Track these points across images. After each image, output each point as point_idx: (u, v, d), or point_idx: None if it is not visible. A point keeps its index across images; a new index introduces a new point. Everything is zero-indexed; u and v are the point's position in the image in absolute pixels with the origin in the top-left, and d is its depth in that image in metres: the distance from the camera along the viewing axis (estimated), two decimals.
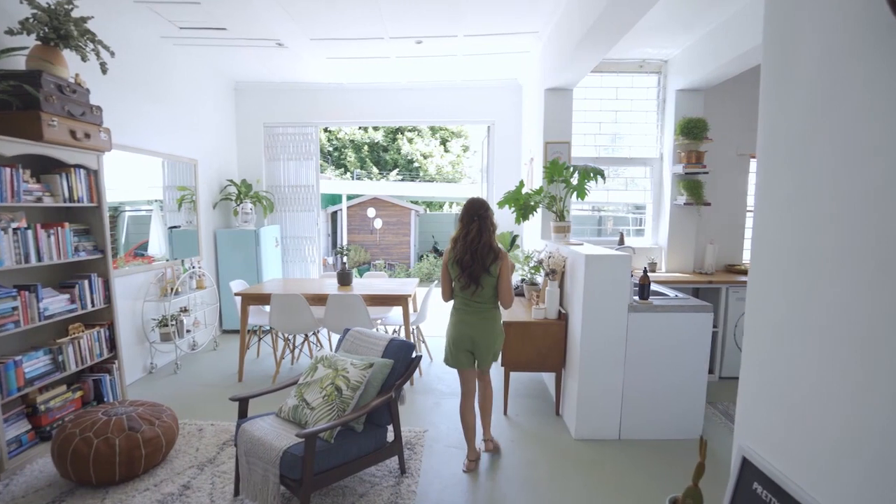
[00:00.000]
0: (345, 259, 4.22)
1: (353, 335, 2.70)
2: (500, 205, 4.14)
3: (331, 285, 4.16)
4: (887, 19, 0.84)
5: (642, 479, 2.52)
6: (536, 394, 3.64)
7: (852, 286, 0.93)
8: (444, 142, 16.54)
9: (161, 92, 4.15)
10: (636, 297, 2.96)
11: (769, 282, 1.21)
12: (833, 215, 0.98)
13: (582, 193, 3.88)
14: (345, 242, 9.34)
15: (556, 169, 3.88)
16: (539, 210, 4.07)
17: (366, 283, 4.24)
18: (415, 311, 4.24)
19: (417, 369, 3.66)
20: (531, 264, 4.04)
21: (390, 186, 12.32)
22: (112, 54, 2.88)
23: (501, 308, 2.61)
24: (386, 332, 4.29)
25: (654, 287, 3.33)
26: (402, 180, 15.19)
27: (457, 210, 16.22)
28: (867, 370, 0.90)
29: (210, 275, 4.73)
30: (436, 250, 12.39)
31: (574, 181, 3.86)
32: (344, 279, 4.12)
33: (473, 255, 2.40)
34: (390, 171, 15.57)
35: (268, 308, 4.43)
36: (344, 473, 2.16)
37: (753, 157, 4.46)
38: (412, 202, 11.96)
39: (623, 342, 2.88)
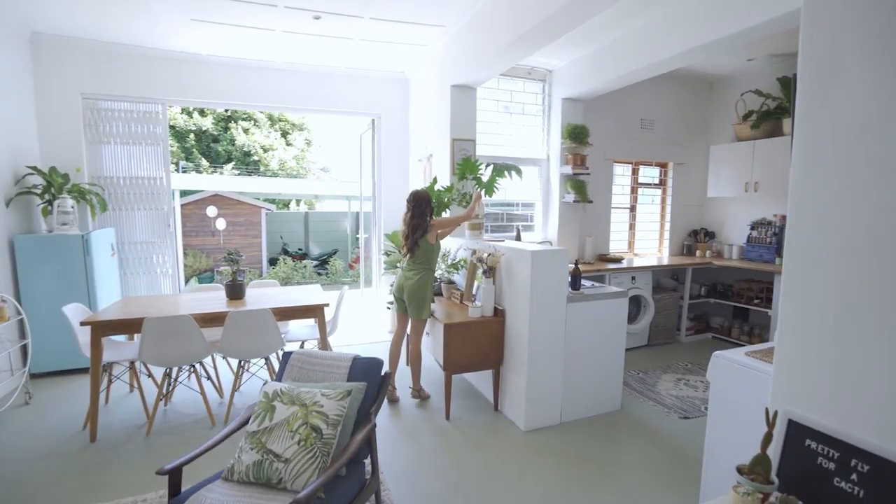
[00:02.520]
0: (236, 268, 3.45)
1: (300, 359, 2.21)
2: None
3: (212, 301, 3.37)
4: None
5: (598, 453, 2.70)
6: (466, 394, 3.59)
7: (890, 265, 1.10)
8: (284, 134, 15.19)
9: None
10: (570, 289, 3.16)
11: (808, 266, 1.36)
12: (868, 208, 1.13)
13: (491, 191, 3.98)
14: (180, 247, 7.74)
15: (468, 166, 3.89)
16: (450, 208, 4.02)
17: (260, 295, 3.57)
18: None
19: None
20: (448, 262, 3.97)
21: (236, 182, 10.69)
22: None
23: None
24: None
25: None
26: (240, 175, 13.41)
27: (304, 208, 15.13)
28: None
29: (9, 299, 3.34)
30: (286, 252, 11.27)
31: (485, 178, 3.93)
32: (235, 292, 3.39)
33: (407, 234, 3.24)
34: (223, 164, 13.58)
35: (123, 338, 3.41)
36: None
37: (617, 161, 5.23)
38: (260, 199, 10.61)
39: (563, 332, 3.05)
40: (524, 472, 2.55)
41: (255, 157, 13.82)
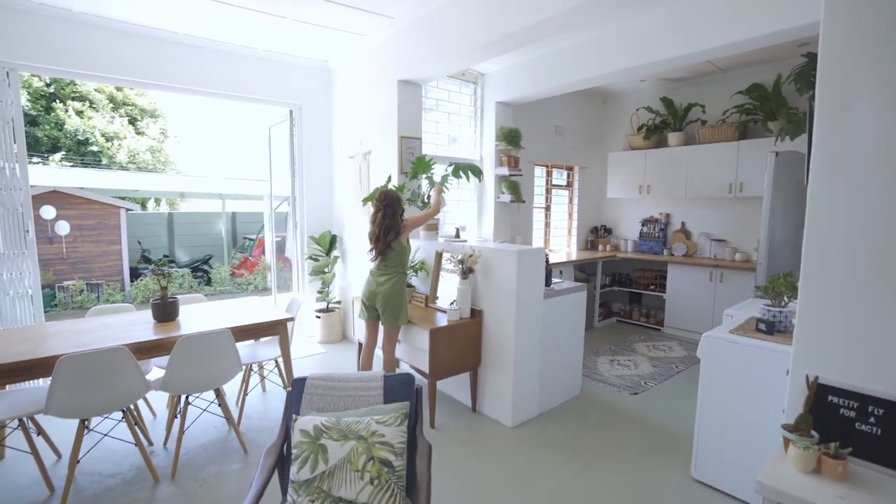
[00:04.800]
0: (167, 281, 2.74)
1: (320, 385, 1.90)
2: (365, 201, 3.72)
3: (133, 325, 2.69)
4: None
5: (584, 436, 2.88)
6: (438, 398, 3.50)
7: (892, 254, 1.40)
8: (133, 120, 12.79)
9: None
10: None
11: (823, 255, 1.60)
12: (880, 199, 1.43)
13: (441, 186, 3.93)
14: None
15: (422, 165, 3.79)
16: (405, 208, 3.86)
17: (192, 314, 2.96)
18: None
19: None
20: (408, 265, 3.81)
21: (81, 176, 8.51)
22: None
23: None
24: None
25: None
26: (73, 166, 10.88)
27: (165, 208, 13.04)
28: None
29: None
30: (147, 260, 9.50)
31: (437, 178, 3.87)
32: (167, 312, 2.75)
33: (378, 236, 2.99)
34: (47, 153, 10.86)
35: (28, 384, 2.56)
36: None
37: (537, 164, 5.59)
38: (117, 197, 8.68)
39: (540, 327, 3.17)
40: (531, 466, 2.59)
41: (96, 147, 11.33)
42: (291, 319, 2.90)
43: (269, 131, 5.35)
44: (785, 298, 2.35)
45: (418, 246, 3.77)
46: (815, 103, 1.62)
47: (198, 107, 17.88)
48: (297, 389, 1.90)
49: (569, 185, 6.21)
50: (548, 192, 5.94)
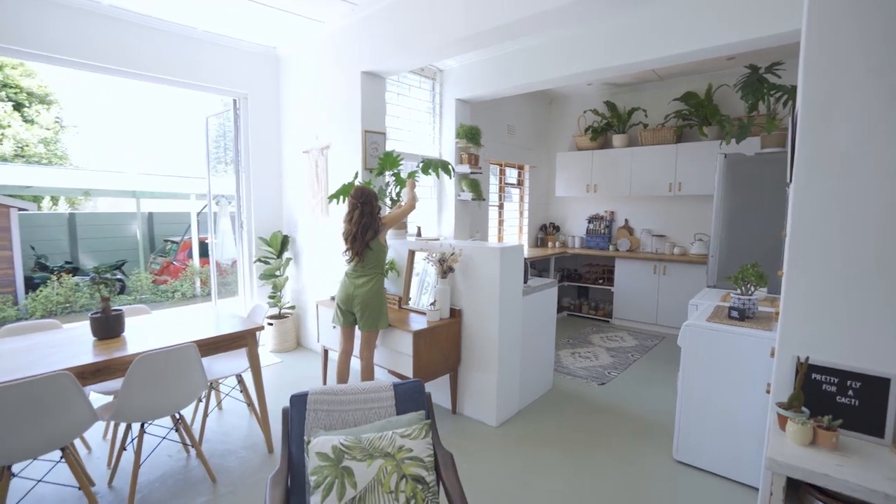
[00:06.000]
0: (108, 293, 2.31)
1: (324, 401, 1.72)
2: (331, 198, 3.51)
3: (67, 345, 2.28)
4: None
5: (568, 428, 2.93)
6: None
7: (867, 245, 1.56)
8: (18, 106, 11.04)
9: None
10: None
11: (807, 245, 1.72)
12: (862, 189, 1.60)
13: (402, 183, 3.82)
14: None
15: (389, 161, 3.65)
16: None
17: (140, 329, 2.58)
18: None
19: None
20: None
21: None
22: None
23: None
24: None
25: None
26: None
27: (66, 207, 11.49)
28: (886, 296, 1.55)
29: None
30: (43, 268, 8.24)
31: (404, 174, 3.74)
32: (110, 328, 2.36)
33: (355, 235, 2.80)
34: None
35: None
36: None
37: (492, 162, 5.63)
38: (5, 195, 7.36)
39: (520, 324, 3.17)
40: (525, 464, 2.58)
41: None
42: (261, 328, 2.62)
43: (206, 122, 4.86)
44: (752, 287, 2.55)
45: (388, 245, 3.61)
46: (796, 110, 1.76)
47: (104, 92, 15.88)
48: (297, 407, 1.71)
49: (520, 183, 6.34)
50: (501, 190, 6.01)
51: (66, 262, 8.82)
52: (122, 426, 2.57)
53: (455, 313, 3.15)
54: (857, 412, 1.63)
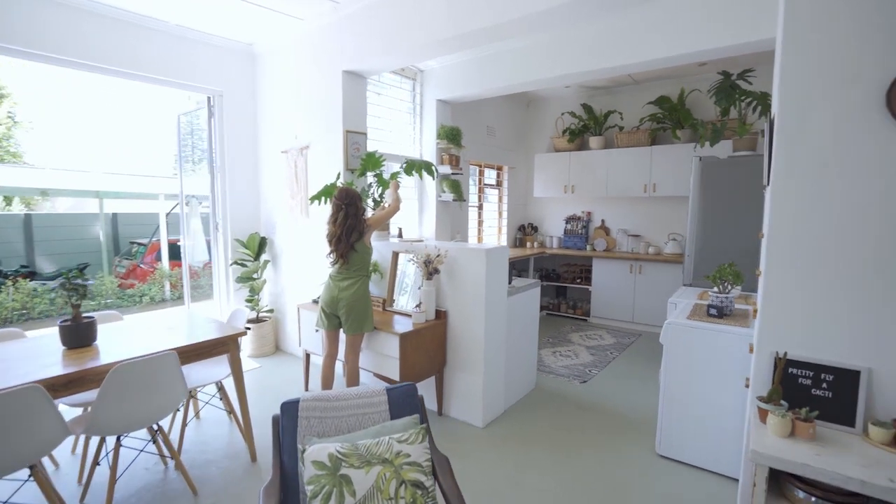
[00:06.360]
0: (79, 299, 2.18)
1: (317, 407, 1.68)
2: (312, 199, 3.45)
3: (35, 356, 2.15)
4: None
5: (554, 427, 2.97)
6: None
7: (842, 245, 1.66)
8: None
9: None
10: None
11: (784, 245, 1.80)
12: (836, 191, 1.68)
13: (385, 184, 3.80)
14: None
15: (372, 161, 3.61)
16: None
17: (111, 336, 2.46)
18: None
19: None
20: None
21: None
22: None
23: None
24: None
25: None
26: None
27: (21, 207, 10.85)
28: (862, 295, 1.65)
29: None
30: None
31: (387, 175, 3.72)
32: (82, 336, 2.24)
33: (340, 237, 2.77)
34: None
35: None
36: None
37: (472, 164, 5.65)
38: None
39: (506, 325, 3.19)
40: (515, 463, 2.59)
41: None
42: (244, 333, 2.54)
43: (178, 120, 4.69)
44: (729, 286, 2.64)
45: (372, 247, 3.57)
46: (772, 115, 1.83)
47: (65, 87, 15.04)
48: (288, 415, 1.67)
49: (499, 184, 6.39)
50: (480, 191, 6.04)
51: (22, 266, 8.34)
52: (95, 440, 2.45)
53: (440, 315, 3.14)
54: (830, 403, 1.71)
